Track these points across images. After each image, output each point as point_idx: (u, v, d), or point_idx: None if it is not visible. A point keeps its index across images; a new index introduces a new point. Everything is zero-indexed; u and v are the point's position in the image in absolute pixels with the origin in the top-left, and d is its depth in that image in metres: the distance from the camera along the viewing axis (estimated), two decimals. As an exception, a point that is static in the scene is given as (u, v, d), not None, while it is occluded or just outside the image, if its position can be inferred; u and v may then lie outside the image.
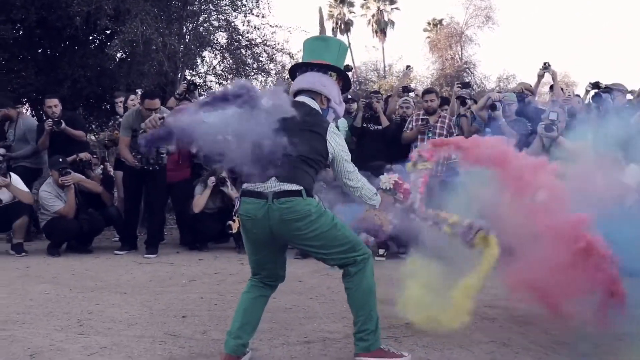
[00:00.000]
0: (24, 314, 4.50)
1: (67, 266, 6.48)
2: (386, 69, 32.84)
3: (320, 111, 3.48)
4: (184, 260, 6.93)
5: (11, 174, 7.40)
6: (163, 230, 8.36)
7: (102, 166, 8.17)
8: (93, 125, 16.88)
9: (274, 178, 3.17)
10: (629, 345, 3.74)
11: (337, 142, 3.40)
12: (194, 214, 7.46)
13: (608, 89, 7.97)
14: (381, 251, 6.75)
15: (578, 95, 9.16)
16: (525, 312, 4.50)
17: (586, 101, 8.44)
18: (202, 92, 14.23)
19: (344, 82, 3.66)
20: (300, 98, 3.47)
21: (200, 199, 7.41)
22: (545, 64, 8.38)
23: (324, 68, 3.52)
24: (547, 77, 8.87)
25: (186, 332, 4.02)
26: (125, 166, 7.46)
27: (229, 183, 7.46)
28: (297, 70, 3.64)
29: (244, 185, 3.32)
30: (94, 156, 8.01)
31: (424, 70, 31.51)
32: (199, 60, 14.53)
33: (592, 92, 8.24)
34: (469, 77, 26.87)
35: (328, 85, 3.50)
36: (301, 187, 3.19)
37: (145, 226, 8.03)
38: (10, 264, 6.63)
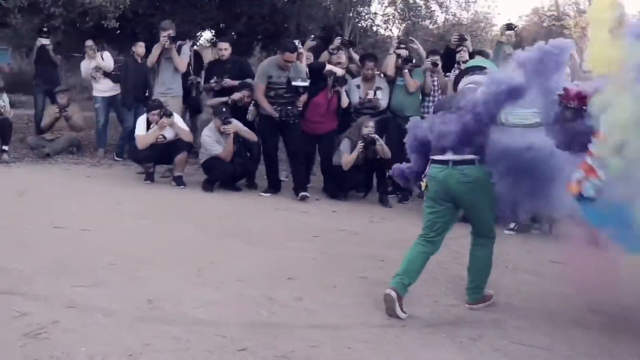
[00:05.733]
0: (158, 256, 5.04)
1: (215, 207, 7.11)
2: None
3: None
4: (319, 210, 7.25)
5: (174, 114, 8.10)
6: (309, 175, 8.64)
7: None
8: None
9: None
10: None
11: None
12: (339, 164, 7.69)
13: None
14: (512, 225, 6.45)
15: None
16: None
17: None
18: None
19: None
20: None
21: (350, 158, 7.57)
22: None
23: None
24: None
25: (282, 297, 4.18)
26: (261, 114, 7.88)
27: (379, 141, 7.53)
28: None
29: None
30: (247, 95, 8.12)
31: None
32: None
33: None
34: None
35: None
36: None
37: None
38: (167, 197, 7.52)
